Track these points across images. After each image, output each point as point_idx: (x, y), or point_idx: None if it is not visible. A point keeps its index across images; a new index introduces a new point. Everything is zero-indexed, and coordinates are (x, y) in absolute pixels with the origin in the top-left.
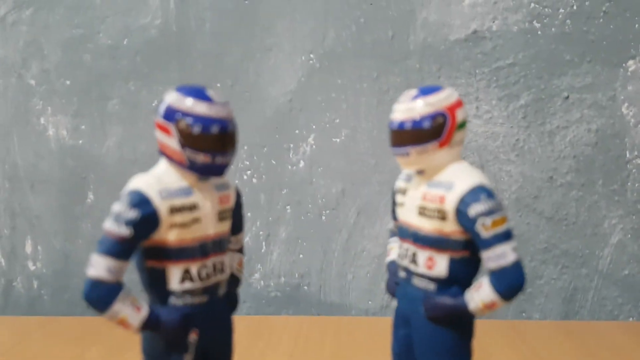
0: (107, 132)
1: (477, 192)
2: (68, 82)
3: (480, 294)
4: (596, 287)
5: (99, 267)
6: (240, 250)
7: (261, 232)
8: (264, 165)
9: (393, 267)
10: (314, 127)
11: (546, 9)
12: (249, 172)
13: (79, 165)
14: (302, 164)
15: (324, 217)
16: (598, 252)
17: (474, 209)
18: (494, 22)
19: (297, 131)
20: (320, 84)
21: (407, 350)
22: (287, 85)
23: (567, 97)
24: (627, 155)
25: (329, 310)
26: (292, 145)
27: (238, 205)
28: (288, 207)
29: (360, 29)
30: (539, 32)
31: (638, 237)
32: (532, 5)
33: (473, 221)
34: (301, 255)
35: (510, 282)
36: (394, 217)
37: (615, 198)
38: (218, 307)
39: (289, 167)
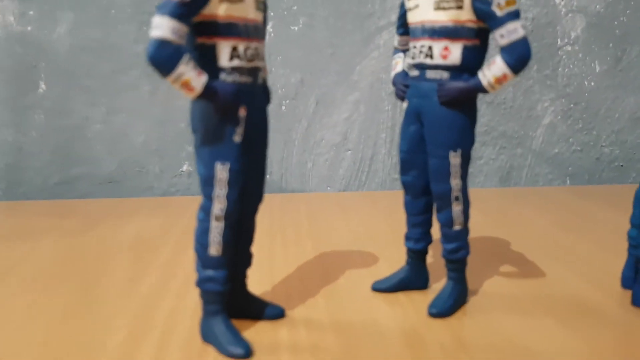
0: (58, 18)
1: None
2: None
3: (492, 69)
4: (529, 165)
5: (164, 27)
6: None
7: None
8: None
9: (399, 77)
10: (271, 14)
11: None
12: None
13: (28, 53)
14: None
15: (283, 107)
16: (532, 133)
17: None
18: None
19: None
20: None
21: (417, 144)
22: None
23: None
24: (559, 42)
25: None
26: None
27: (265, 5)
28: None
29: None
30: None
31: (567, 119)
32: None
33: (489, 2)
34: None
35: (520, 53)
36: (400, 33)
37: (547, 82)
38: (259, 92)
39: None
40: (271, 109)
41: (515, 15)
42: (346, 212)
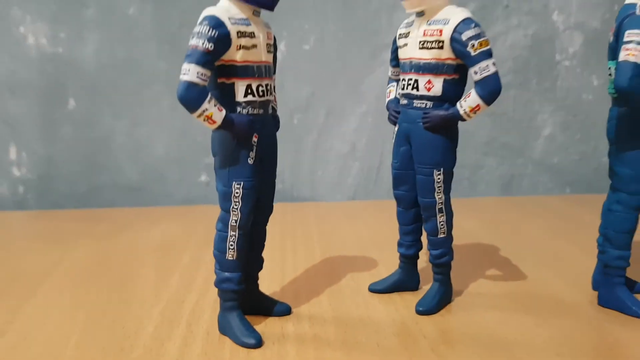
0: (86, 39)
1: (467, 23)
2: None
3: (467, 101)
4: (530, 174)
5: (191, 73)
6: (274, 89)
7: None
8: None
9: (392, 104)
10: (284, 33)
11: None
12: None
13: (59, 72)
14: None
15: (295, 120)
16: (532, 143)
17: (466, 35)
18: None
19: None
20: None
21: (407, 162)
22: None
23: (507, 6)
24: (557, 57)
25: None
26: None
27: (275, 47)
28: None
29: None
30: None
31: (565, 129)
32: None
33: (465, 44)
34: None
35: (491, 88)
36: (393, 65)
37: (546, 95)
38: (269, 121)
39: None
40: (283, 120)
41: (487, 55)
42: (353, 219)
